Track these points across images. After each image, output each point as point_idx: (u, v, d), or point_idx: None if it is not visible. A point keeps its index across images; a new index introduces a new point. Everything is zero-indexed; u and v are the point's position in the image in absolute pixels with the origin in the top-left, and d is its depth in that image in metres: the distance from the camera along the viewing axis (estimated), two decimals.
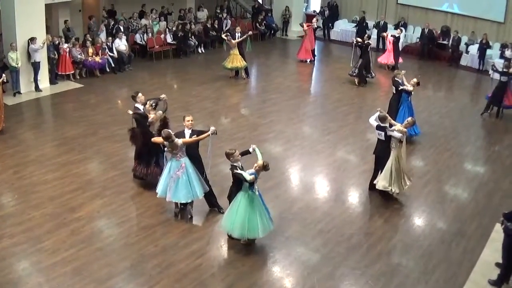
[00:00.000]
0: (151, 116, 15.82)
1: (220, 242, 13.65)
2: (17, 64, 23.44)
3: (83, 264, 12.77)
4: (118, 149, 18.70)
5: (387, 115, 16.09)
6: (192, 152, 14.91)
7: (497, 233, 14.18)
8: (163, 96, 16.52)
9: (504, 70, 23.98)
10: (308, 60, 32.60)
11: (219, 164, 16.80)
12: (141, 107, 16.05)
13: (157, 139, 14.67)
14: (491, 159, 20.08)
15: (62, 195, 15.71)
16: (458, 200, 16.79)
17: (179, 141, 14.26)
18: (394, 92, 20.58)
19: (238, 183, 13.43)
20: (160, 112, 15.98)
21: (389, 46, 31.33)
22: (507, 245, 12.61)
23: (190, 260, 13.23)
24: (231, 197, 13.85)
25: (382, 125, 15.86)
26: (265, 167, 13.10)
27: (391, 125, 15.97)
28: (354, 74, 27.73)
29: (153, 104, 15.96)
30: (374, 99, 26.28)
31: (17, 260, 12.83)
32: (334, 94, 26.59)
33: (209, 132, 14.53)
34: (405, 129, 15.94)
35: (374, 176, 16.63)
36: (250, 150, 14.16)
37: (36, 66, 24.28)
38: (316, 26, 32.31)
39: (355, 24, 37.32)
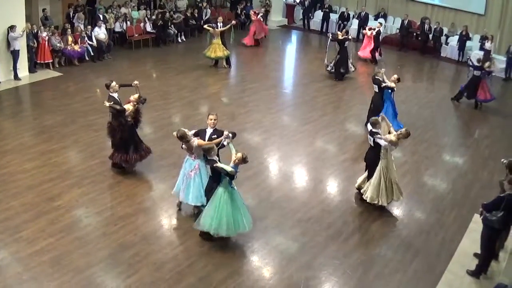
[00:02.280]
0: (128, 106, 16.00)
1: (197, 232, 13.65)
2: None
3: (62, 254, 12.75)
4: (97, 138, 18.64)
5: (379, 120, 15.64)
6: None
7: (476, 224, 14.36)
8: (135, 82, 16.55)
9: (477, 64, 24.27)
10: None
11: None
12: (115, 95, 16.06)
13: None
14: (469, 150, 20.24)
15: (41, 184, 15.65)
16: (437, 191, 16.91)
17: (195, 142, 13.93)
18: (377, 90, 20.49)
19: (217, 177, 13.16)
20: (136, 95, 16.22)
21: (366, 40, 31.47)
22: (486, 236, 12.75)
23: (168, 250, 13.27)
24: (209, 192, 13.45)
25: (373, 130, 15.35)
26: (244, 160, 13.00)
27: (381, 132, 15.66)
28: (332, 71, 27.68)
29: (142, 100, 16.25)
30: (353, 88, 26.43)
31: None
32: (313, 84, 26.64)
33: (223, 137, 13.89)
34: (394, 139, 15.00)
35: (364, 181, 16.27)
36: (225, 143, 13.87)
37: (15, 55, 24.12)
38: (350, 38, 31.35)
39: (338, 16, 37.39)
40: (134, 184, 15.93)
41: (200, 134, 14.18)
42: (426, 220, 15.48)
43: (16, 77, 24.45)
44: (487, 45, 29.85)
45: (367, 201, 15.58)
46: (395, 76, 20.51)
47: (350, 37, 28.06)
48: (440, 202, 16.37)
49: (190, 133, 14.13)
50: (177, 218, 14.73)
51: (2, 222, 13.80)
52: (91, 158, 17.31)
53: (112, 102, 15.85)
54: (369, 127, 15.58)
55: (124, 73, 25.72)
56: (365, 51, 31.26)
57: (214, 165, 12.91)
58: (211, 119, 14.35)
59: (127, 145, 16.20)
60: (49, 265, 12.33)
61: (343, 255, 13.42)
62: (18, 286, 11.64)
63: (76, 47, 27.30)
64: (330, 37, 28.04)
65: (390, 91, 20.19)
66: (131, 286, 11.90)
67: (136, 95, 16.11)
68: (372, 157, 15.60)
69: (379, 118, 15.77)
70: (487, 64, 24.00)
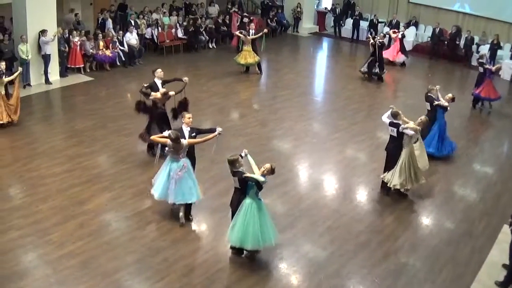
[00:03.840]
0: (156, 94, 16.90)
1: (227, 238, 13.59)
2: (27, 57, 23.50)
3: (90, 257, 12.76)
4: (127, 142, 18.72)
5: (399, 111, 15.94)
6: (190, 151, 14.65)
7: (505, 234, 14.14)
8: (185, 78, 17.59)
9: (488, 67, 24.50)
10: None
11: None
12: (159, 82, 17.03)
13: (158, 139, 14.48)
14: (499, 160, 20.04)
15: (70, 187, 15.71)
16: (466, 201, 16.71)
17: (184, 141, 14.02)
18: (429, 108, 19.61)
19: (244, 189, 12.90)
20: (168, 92, 17.10)
21: (394, 43, 31.41)
22: None
23: (197, 255, 13.25)
24: (234, 205, 13.20)
25: (394, 121, 15.75)
26: (273, 170, 12.87)
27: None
28: (365, 70, 27.69)
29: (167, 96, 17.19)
30: (384, 98, 26.29)
31: (24, 252, 12.82)
32: (344, 92, 26.55)
33: (216, 133, 14.27)
34: (418, 127, 15.77)
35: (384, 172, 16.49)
36: (242, 154, 13.51)
37: (46, 59, 24.32)
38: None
39: (368, 24, 37.28)
40: None
41: (179, 134, 14.12)
42: (455, 230, 15.31)
43: (47, 81, 24.62)
44: None
45: (391, 187, 15.90)
46: (450, 95, 19.62)
47: (385, 40, 28.13)
48: (470, 212, 16.17)
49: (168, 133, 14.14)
50: (205, 223, 14.68)
51: (32, 225, 13.85)
52: (121, 163, 17.34)
53: (148, 84, 17.02)
54: (386, 120, 16.14)
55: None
56: (391, 54, 31.13)
57: (244, 175, 12.70)
58: (188, 118, 14.66)
59: (153, 128, 16.99)
60: (77, 269, 12.33)
61: (372, 264, 13.28)
62: None
63: (108, 52, 27.46)
64: (371, 41, 27.85)
65: (442, 110, 19.32)
66: None
67: (164, 90, 16.95)
68: (395, 147, 15.93)
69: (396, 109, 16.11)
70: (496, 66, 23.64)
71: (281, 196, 16.14)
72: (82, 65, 26.60)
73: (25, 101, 22.32)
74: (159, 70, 17.29)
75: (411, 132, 15.46)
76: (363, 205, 16.09)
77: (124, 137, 19.00)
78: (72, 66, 26.31)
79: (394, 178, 15.86)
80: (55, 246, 13.06)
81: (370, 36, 29.30)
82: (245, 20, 33.93)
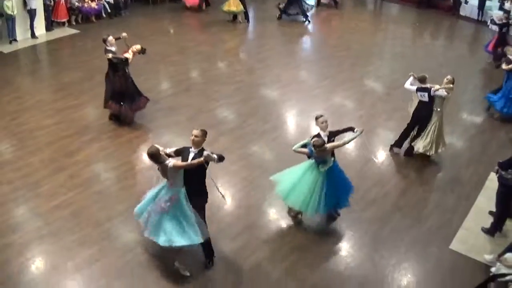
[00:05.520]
0: (128, 55, 16.15)
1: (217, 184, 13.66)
2: (13, 12, 23.31)
3: (81, 208, 12.89)
4: None
5: (426, 75, 15.50)
6: (196, 181, 10.86)
7: (492, 182, 14.31)
8: (124, 34, 16.79)
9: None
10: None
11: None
12: (113, 49, 16.30)
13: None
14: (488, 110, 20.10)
15: (60, 140, 15.76)
16: (454, 148, 16.83)
17: (170, 163, 10.44)
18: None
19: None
20: (138, 46, 16.28)
21: None
22: (501, 194, 12.75)
23: None
24: None
25: (423, 86, 15.30)
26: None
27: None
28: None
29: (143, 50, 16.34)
30: (372, 45, 26.29)
31: (16, 206, 12.91)
32: (331, 40, 26.55)
33: (202, 159, 10.27)
34: (452, 86, 15.22)
35: (404, 137, 16.28)
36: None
37: (32, 13, 24.18)
38: None
39: None
40: (152, 138, 16.00)
41: (182, 153, 10.93)
42: (443, 176, 15.52)
43: (33, 35, 24.50)
44: (507, 5, 29.34)
45: (420, 151, 15.73)
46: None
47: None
48: (457, 159, 16.34)
49: (169, 150, 10.95)
50: None
51: (22, 178, 13.94)
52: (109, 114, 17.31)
53: (111, 55, 16.08)
54: (412, 87, 15.59)
55: (141, 29, 25.59)
56: None
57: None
58: (195, 135, 10.69)
59: (121, 97, 16.43)
60: (69, 220, 12.46)
61: (360, 209, 13.46)
62: (38, 240, 11.76)
63: (93, 4, 27.32)
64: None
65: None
66: (148, 238, 11.91)
67: (139, 46, 16.26)
68: (426, 112, 15.49)
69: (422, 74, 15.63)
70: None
71: (269, 142, 16.31)
72: (68, 19, 26.42)
73: (12, 56, 22.31)
74: (110, 38, 16.40)
75: (444, 93, 15.08)
76: (351, 151, 16.19)
77: None
78: (58, 20, 26.13)
79: (419, 142, 15.74)
80: (46, 198, 13.16)
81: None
82: None
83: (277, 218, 13.20)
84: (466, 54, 25.88)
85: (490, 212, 13.60)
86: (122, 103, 16.39)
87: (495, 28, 25.45)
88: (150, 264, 11.18)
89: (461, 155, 16.60)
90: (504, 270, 10.86)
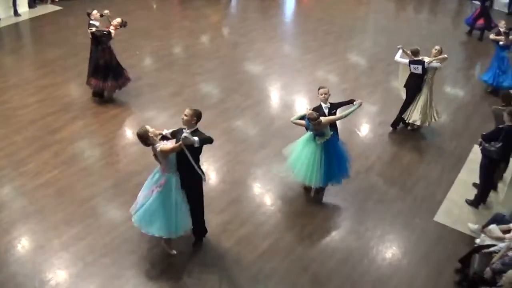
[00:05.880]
0: (111, 29, 16.00)
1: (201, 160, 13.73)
2: None
3: (66, 185, 12.90)
4: None
5: (418, 48, 15.66)
6: (185, 166, 10.34)
7: (475, 154, 14.52)
8: (106, 11, 16.67)
9: None
10: None
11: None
12: (96, 23, 16.16)
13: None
14: (471, 82, 20.25)
15: (43, 117, 15.68)
16: (438, 121, 16.89)
17: (158, 147, 10.09)
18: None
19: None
20: (119, 19, 16.15)
21: None
22: (485, 166, 12.91)
23: None
24: None
25: (416, 59, 15.41)
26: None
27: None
28: None
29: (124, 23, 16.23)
30: (356, 19, 26.31)
31: (0, 185, 12.88)
32: (315, 14, 26.49)
33: (180, 143, 9.79)
34: (445, 56, 15.49)
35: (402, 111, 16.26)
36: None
37: None
38: None
39: None
40: (136, 113, 16.07)
41: (176, 135, 10.39)
42: (426, 149, 15.66)
43: (16, 13, 24.24)
44: None
45: (410, 121, 15.92)
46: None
47: None
48: (441, 132, 16.47)
49: (166, 132, 10.65)
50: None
51: (6, 157, 13.88)
52: None
53: (94, 29, 15.95)
54: (403, 60, 15.76)
55: (124, 4, 25.38)
56: None
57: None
58: (184, 115, 10.30)
59: (107, 71, 16.31)
60: (54, 197, 12.48)
61: (344, 182, 13.37)
62: (24, 219, 11.78)
63: None
64: None
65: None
66: None
67: (119, 19, 16.14)
68: (416, 84, 15.62)
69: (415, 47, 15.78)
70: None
71: (253, 117, 16.35)
72: None
73: None
74: (95, 12, 16.29)
75: (438, 65, 15.31)
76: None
77: None
78: None
79: (414, 114, 15.80)
80: (30, 177, 13.15)
81: None
82: None
83: (262, 192, 13.30)
84: (450, 27, 25.95)
85: (474, 184, 13.76)
86: (106, 79, 16.29)
87: (478, 2, 25.44)
88: (137, 240, 11.22)
89: (444, 128, 16.70)
90: (488, 241, 11.03)
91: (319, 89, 12.80)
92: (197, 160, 10.30)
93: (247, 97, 17.08)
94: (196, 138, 9.70)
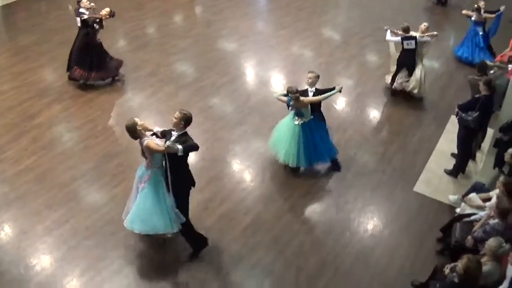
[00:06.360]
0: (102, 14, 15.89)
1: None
2: None
3: (46, 170, 12.90)
4: None
5: (408, 25, 16.18)
6: (173, 168, 10.11)
7: (452, 125, 14.66)
8: (92, 4, 16.19)
9: None
10: None
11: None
12: (85, 12, 15.93)
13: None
14: (445, 53, 20.34)
15: (20, 104, 15.57)
16: (414, 92, 17.11)
17: (144, 142, 9.92)
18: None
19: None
20: (107, 9, 16.04)
21: None
22: (462, 136, 13.10)
23: None
24: None
25: (407, 35, 15.97)
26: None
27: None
28: None
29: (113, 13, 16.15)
30: None
31: None
32: None
33: (163, 147, 9.67)
34: (435, 33, 16.36)
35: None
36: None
37: None
38: None
39: None
40: (113, 95, 16.04)
41: (166, 136, 10.25)
42: (404, 120, 15.79)
43: None
44: None
45: (409, 89, 16.49)
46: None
47: None
48: (418, 103, 16.64)
49: (156, 129, 10.49)
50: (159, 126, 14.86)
51: None
52: None
53: (87, 16, 15.78)
54: (394, 38, 16.33)
55: None
56: None
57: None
58: (174, 117, 10.00)
59: (91, 59, 16.19)
60: (35, 183, 12.49)
61: None
62: (6, 206, 11.79)
63: None
64: None
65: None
66: (117, 196, 12.15)
67: (108, 9, 16.01)
68: (410, 58, 16.23)
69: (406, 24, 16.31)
70: None
71: (230, 94, 16.42)
72: None
73: None
74: (84, 0, 15.95)
75: (429, 39, 16.12)
76: None
77: (68, 48, 18.55)
78: None
79: (413, 83, 16.37)
80: (10, 163, 13.12)
81: None
82: None
83: (241, 168, 13.42)
84: (422, 1, 25.95)
85: (452, 154, 13.96)
86: (91, 70, 16.17)
87: None
88: (119, 221, 11.19)
89: (421, 99, 16.83)
90: (469, 210, 11.21)
91: (308, 73, 12.92)
92: (184, 165, 10.20)
93: (222, 74, 17.12)
94: (179, 147, 9.44)
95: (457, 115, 13.00)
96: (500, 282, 9.13)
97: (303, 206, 12.43)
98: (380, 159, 13.95)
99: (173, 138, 9.90)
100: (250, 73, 18.15)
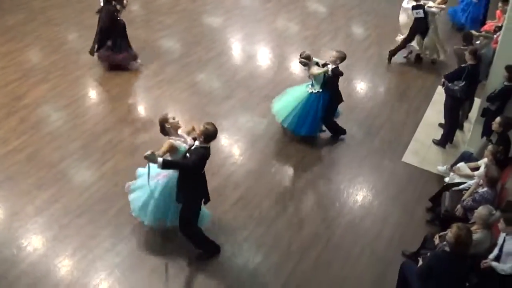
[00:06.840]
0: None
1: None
2: None
3: (35, 150, 12.88)
4: (58, 32, 18.34)
5: None
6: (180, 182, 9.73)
7: (439, 95, 14.76)
8: None
9: None
10: None
11: None
12: None
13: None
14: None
15: (7, 84, 15.45)
16: (401, 63, 17.11)
17: (169, 141, 9.78)
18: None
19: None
20: None
21: None
22: (449, 106, 13.20)
23: (139, 134, 13.54)
24: None
25: (417, 4, 16.12)
26: None
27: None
28: None
29: None
30: None
31: None
32: None
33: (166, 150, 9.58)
34: (443, 6, 16.49)
35: (401, 48, 17.13)
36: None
37: None
38: None
39: None
40: (100, 73, 15.96)
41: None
42: (390, 91, 15.92)
43: None
44: None
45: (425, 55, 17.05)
46: None
47: None
48: (405, 73, 16.75)
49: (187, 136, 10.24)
50: (145, 102, 15.00)
51: None
52: (55, 53, 17.04)
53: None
54: (408, 5, 16.70)
55: None
56: None
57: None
58: (199, 129, 9.56)
59: (116, 43, 15.96)
60: (24, 163, 12.46)
61: None
62: None
63: None
64: None
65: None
66: (106, 173, 12.18)
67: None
68: (421, 26, 16.41)
69: None
70: None
71: (216, 69, 16.41)
72: None
73: None
74: None
75: (436, 10, 16.36)
76: (298, 72, 16.31)
77: (54, 27, 18.64)
78: None
79: (426, 50, 16.92)
80: None
81: None
82: None
83: (230, 142, 13.49)
84: None
85: (440, 125, 14.07)
86: (119, 51, 15.96)
87: None
88: (110, 199, 11.33)
89: (408, 69, 16.95)
90: (457, 180, 11.33)
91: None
92: (195, 178, 9.64)
93: (209, 49, 17.10)
94: (159, 160, 8.90)
95: (443, 85, 13.09)
96: (491, 251, 9.24)
97: (293, 179, 12.52)
98: (367, 131, 14.02)
99: (186, 146, 9.69)
100: (236, 47, 18.11)
